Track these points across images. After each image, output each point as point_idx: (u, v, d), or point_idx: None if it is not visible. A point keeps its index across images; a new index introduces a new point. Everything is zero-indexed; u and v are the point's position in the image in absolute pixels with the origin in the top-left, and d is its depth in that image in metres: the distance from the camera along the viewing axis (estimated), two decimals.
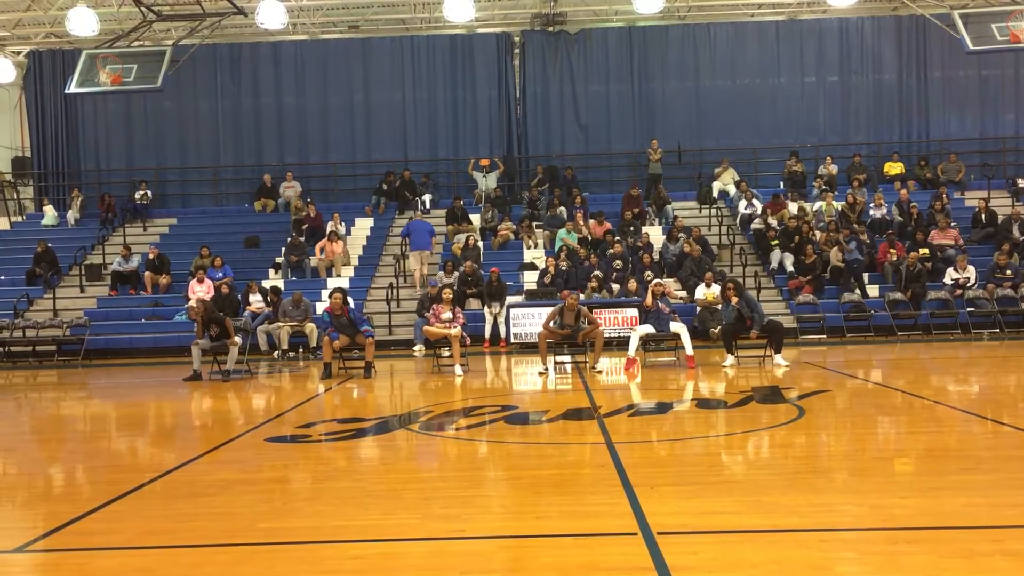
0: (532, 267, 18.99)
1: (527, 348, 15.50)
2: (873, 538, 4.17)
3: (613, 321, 15.91)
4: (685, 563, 3.78)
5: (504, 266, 18.21)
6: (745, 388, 9.78)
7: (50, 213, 22.72)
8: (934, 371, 12.09)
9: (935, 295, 17.07)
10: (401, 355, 15.84)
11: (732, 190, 21.65)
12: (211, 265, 18.38)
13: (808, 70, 23.61)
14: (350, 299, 13.53)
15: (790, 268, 18.12)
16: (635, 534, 4.19)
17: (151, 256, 19.29)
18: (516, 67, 23.90)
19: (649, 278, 16.08)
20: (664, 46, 23.67)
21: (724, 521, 4.44)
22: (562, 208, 20.61)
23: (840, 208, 19.80)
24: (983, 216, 19.58)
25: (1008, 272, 17.17)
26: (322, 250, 19.58)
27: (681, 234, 18.85)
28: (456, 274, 17.42)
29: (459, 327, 12.37)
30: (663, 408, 8.83)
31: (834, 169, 21.84)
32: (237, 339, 12.65)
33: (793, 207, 20.38)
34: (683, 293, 17.03)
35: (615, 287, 17.32)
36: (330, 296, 12.49)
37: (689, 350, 12.08)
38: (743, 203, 20.70)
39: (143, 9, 18.51)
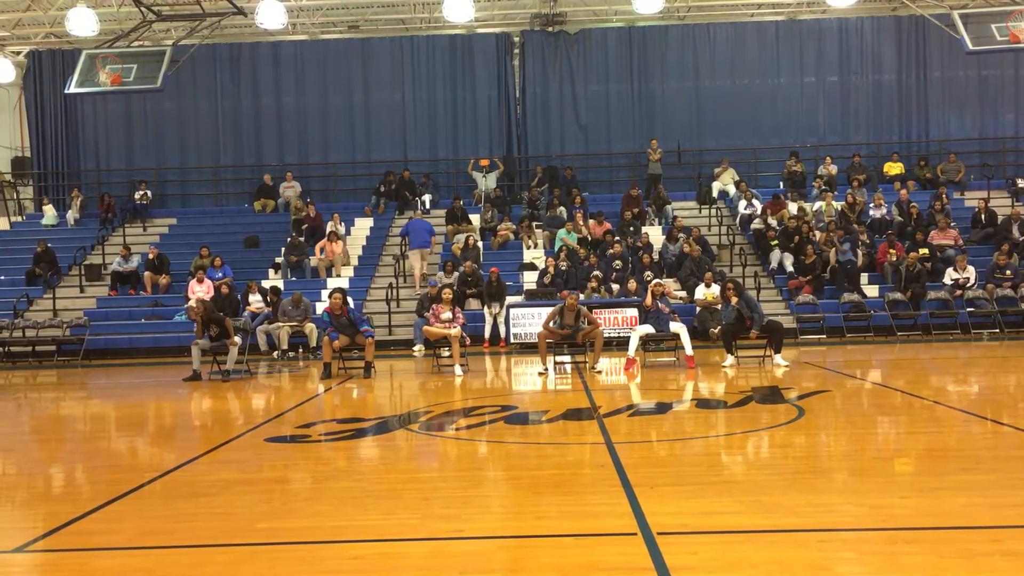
0: (532, 267, 18.98)
1: (527, 348, 15.50)
2: (873, 538, 4.16)
3: (613, 321, 15.91)
4: (685, 563, 3.78)
5: (504, 266, 18.21)
6: (745, 388, 9.77)
7: (50, 213, 22.71)
8: (934, 371, 12.09)
9: (935, 295, 17.07)
10: (401, 355, 15.84)
11: (732, 190, 21.65)
12: (211, 265, 18.38)
13: (808, 70, 23.61)
14: (350, 299, 13.53)
15: (790, 268, 18.12)
16: (635, 534, 4.19)
17: (151, 256, 19.29)
18: (516, 67, 23.90)
19: (649, 278, 16.08)
20: (664, 46, 23.67)
21: (724, 521, 4.44)
22: (562, 208, 20.61)
23: (840, 208, 19.80)
24: (983, 216, 19.58)
25: (1008, 272, 17.17)
26: (322, 250, 19.57)
27: (681, 234, 18.85)
28: (456, 274, 17.42)
29: (459, 327, 12.37)
30: (663, 408, 8.83)
31: (834, 169, 21.83)
32: (237, 339, 12.66)
33: (793, 207, 20.38)
34: (683, 293, 17.02)
35: (615, 287, 17.32)
36: (330, 296, 12.50)
37: (689, 350, 12.09)
38: (743, 203, 20.71)
39: (143, 9, 18.51)
